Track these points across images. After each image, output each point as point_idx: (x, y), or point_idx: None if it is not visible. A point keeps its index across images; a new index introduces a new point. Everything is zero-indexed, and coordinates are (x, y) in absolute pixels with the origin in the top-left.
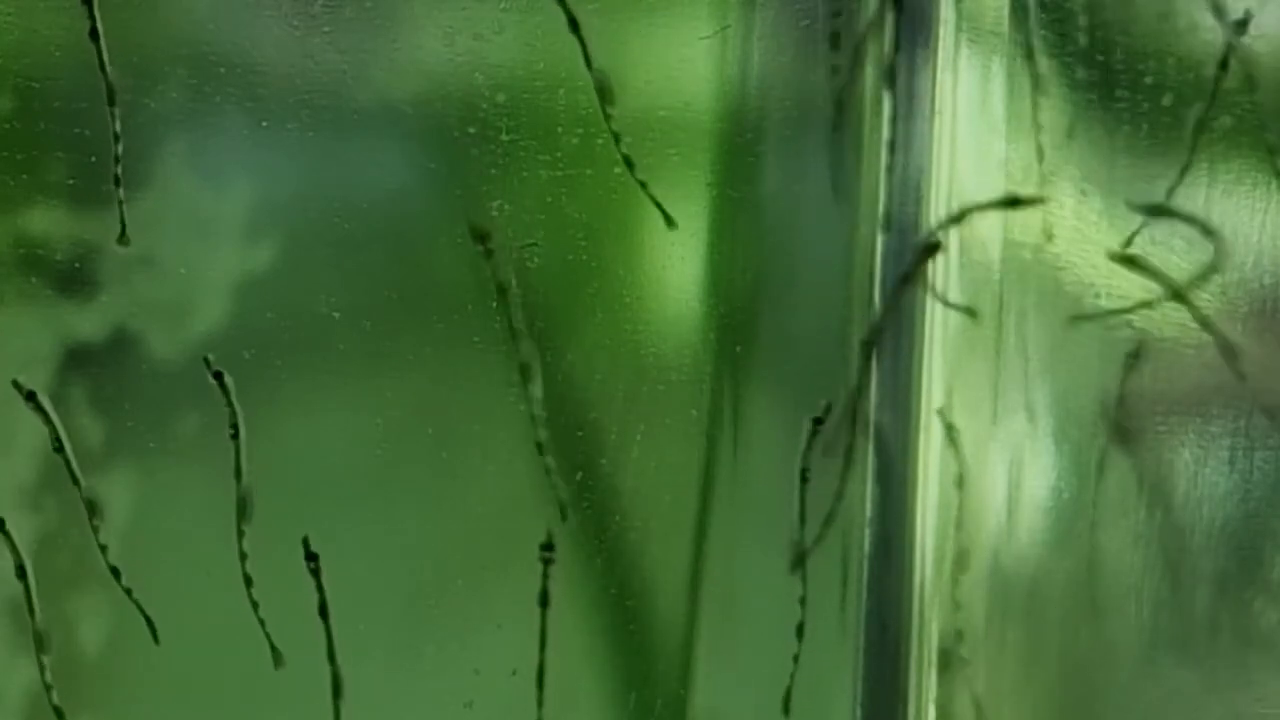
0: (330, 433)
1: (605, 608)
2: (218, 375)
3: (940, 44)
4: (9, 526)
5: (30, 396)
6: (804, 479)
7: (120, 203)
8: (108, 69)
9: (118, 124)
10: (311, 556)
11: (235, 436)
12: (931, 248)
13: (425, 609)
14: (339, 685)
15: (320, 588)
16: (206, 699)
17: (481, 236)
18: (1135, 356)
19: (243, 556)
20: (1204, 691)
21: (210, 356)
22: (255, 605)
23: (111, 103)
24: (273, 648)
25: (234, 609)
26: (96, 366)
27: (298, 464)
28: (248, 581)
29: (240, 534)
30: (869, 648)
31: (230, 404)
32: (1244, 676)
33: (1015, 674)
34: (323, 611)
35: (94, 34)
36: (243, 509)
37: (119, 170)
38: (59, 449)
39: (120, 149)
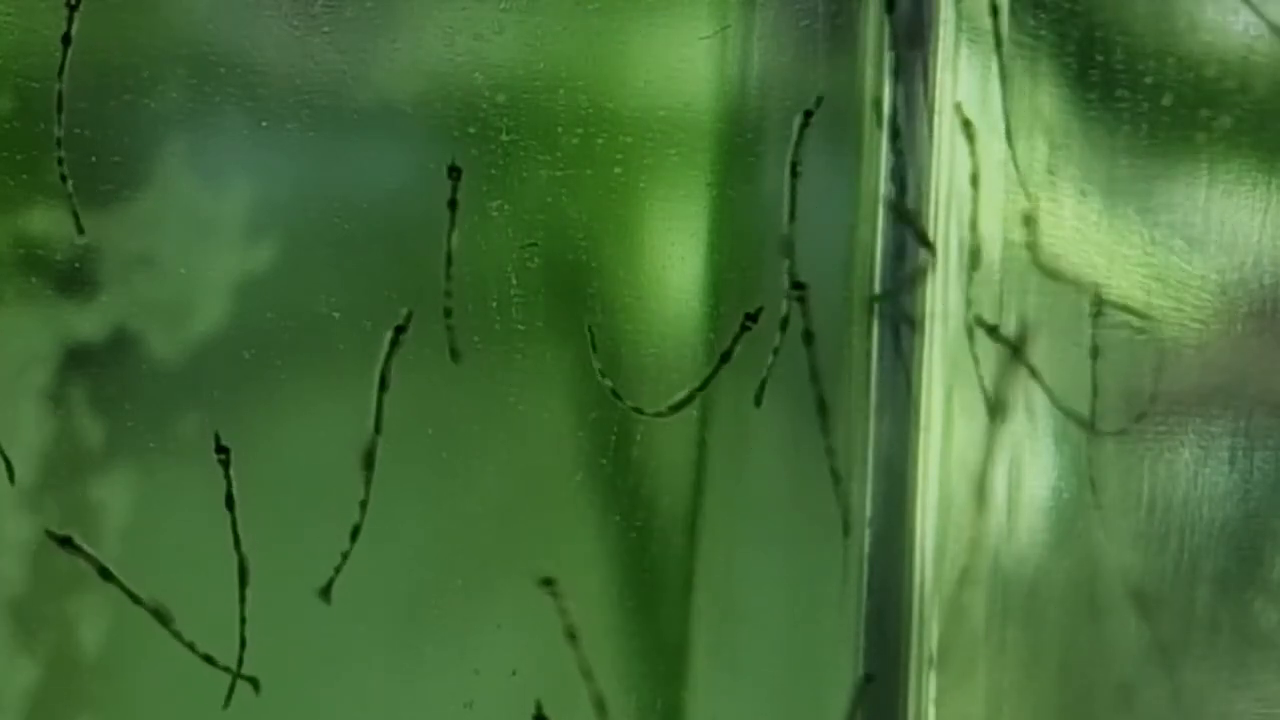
0: (330, 433)
1: (606, 607)
2: (224, 450)
3: (940, 44)
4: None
5: (66, 542)
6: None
7: (70, 196)
8: (64, 75)
9: (60, 130)
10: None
11: (231, 508)
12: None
13: (425, 609)
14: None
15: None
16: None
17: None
18: (1134, 356)
19: (243, 621)
20: (1204, 691)
21: (220, 433)
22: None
23: (59, 109)
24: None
25: (226, 606)
26: (96, 366)
27: (297, 464)
28: (242, 644)
29: (242, 599)
30: (869, 647)
31: (228, 476)
32: (1244, 676)
33: (1015, 674)
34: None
35: (66, 39)
36: (243, 576)
37: (64, 170)
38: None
39: (62, 153)
